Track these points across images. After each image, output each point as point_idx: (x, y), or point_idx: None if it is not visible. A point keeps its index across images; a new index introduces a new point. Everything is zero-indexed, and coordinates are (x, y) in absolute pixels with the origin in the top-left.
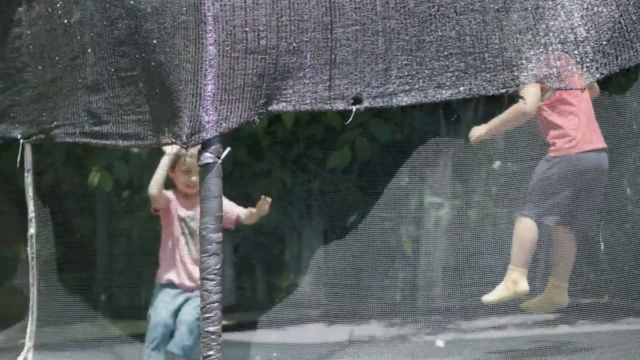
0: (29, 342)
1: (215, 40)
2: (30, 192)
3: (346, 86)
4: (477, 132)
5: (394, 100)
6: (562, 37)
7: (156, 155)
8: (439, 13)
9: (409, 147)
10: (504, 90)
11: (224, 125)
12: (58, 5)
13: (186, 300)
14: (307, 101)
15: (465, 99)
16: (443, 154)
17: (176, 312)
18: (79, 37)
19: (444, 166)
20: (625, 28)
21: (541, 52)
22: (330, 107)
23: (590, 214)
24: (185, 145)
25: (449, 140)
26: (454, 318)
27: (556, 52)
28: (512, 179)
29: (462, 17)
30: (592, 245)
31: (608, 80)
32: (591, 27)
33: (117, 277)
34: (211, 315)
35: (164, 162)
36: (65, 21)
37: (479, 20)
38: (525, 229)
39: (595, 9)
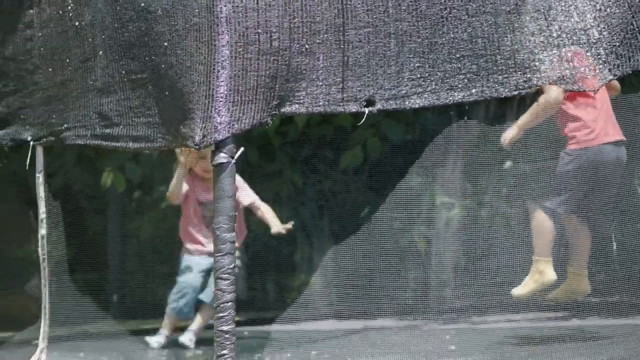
0: (42, 343)
1: (227, 42)
2: (41, 193)
3: (359, 88)
4: (509, 134)
5: (407, 103)
6: (574, 38)
7: (166, 156)
8: (451, 15)
9: (420, 147)
10: (516, 92)
11: (236, 126)
12: (69, 7)
13: (206, 273)
14: (320, 103)
15: (477, 101)
16: (454, 154)
17: (205, 275)
18: (90, 40)
19: (454, 166)
20: (638, 29)
21: (554, 54)
22: (342, 109)
23: (607, 207)
24: (197, 147)
25: (460, 138)
26: (467, 316)
27: (570, 49)
28: (525, 176)
29: (474, 19)
30: (606, 239)
31: (621, 81)
32: (604, 28)
33: (131, 277)
34: (225, 314)
35: (180, 173)
36: (77, 23)
37: (491, 22)
38: (544, 218)
39: (608, 10)
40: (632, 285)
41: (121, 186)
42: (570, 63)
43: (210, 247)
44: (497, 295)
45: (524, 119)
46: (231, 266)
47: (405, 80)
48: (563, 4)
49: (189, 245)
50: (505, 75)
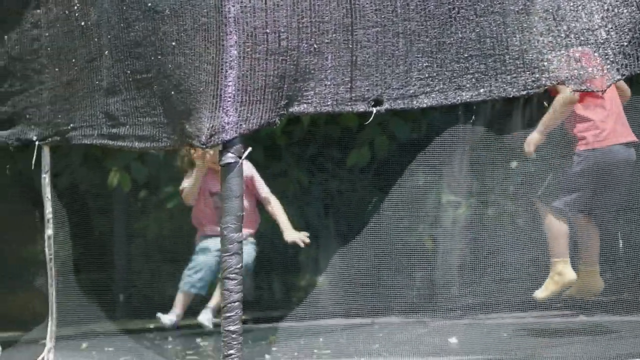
0: (49, 343)
1: (236, 42)
2: (47, 193)
3: (367, 88)
4: (533, 140)
5: (415, 102)
6: (582, 38)
7: (172, 156)
8: (459, 15)
9: (427, 146)
10: (524, 92)
11: (244, 126)
12: (75, 7)
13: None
14: (329, 103)
15: (485, 100)
16: (461, 152)
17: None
18: (95, 40)
19: (461, 164)
20: None
21: (562, 54)
22: (351, 109)
23: (616, 207)
24: (204, 146)
25: (467, 138)
26: (474, 313)
27: (578, 49)
28: (534, 176)
29: (482, 19)
30: (614, 238)
31: (629, 82)
32: (612, 28)
33: (137, 277)
34: (232, 314)
35: (197, 174)
36: (82, 23)
37: (499, 22)
38: (556, 220)
39: (616, 10)
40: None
41: (127, 186)
42: (579, 63)
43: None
44: (505, 293)
45: (544, 122)
46: (238, 266)
47: (414, 79)
48: (571, 4)
49: (205, 228)
50: (514, 75)
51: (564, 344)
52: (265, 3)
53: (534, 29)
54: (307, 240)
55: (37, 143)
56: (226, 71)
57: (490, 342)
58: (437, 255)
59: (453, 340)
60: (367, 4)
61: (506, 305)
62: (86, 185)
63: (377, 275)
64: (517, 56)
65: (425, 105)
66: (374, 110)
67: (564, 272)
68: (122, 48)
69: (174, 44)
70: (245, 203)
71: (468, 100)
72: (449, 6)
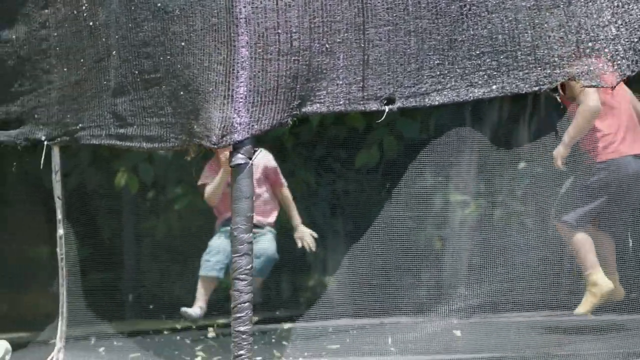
0: (59, 343)
1: (247, 42)
2: (58, 193)
3: (379, 86)
4: (560, 154)
5: (427, 100)
6: (592, 34)
7: (180, 157)
8: (470, 12)
9: (435, 146)
10: (536, 88)
11: (255, 127)
12: (83, 7)
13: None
14: (341, 102)
15: (498, 97)
16: (469, 152)
17: None
18: (104, 39)
19: (469, 164)
20: None
21: (573, 50)
22: (363, 108)
23: (627, 218)
24: (215, 146)
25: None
26: (481, 313)
27: (587, 50)
28: (544, 185)
29: (493, 15)
30: (625, 244)
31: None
32: (622, 24)
33: (145, 277)
34: (242, 315)
35: (224, 176)
36: (91, 23)
37: (510, 18)
38: (576, 232)
39: (626, 6)
40: None
41: (135, 187)
42: (589, 59)
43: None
44: (513, 293)
45: (570, 133)
46: (248, 267)
47: (425, 77)
48: (582, 0)
49: (225, 214)
50: (526, 71)
51: (573, 342)
52: (277, 3)
53: (545, 25)
54: (314, 246)
55: (45, 143)
56: (238, 72)
57: (500, 341)
58: (445, 255)
59: (457, 333)
60: (378, 2)
61: (515, 305)
62: (94, 185)
63: (386, 275)
64: (528, 52)
65: (437, 103)
66: (387, 108)
67: (599, 282)
68: (130, 48)
69: (183, 44)
70: (266, 194)
71: (480, 97)
72: (460, 3)
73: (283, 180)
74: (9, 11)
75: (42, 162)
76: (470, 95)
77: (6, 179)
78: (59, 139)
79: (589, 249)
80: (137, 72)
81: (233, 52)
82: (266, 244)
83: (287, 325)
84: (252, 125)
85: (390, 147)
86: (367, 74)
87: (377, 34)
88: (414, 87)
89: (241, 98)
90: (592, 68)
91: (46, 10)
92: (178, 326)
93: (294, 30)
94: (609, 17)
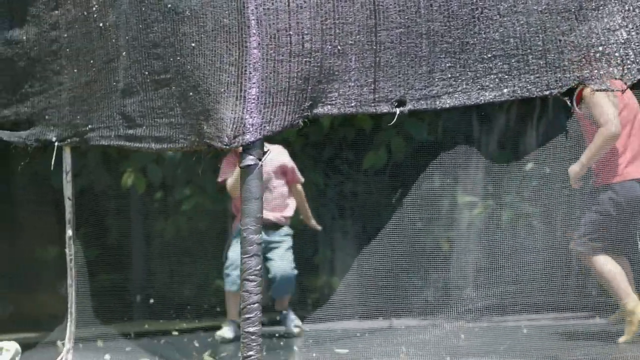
0: (68, 344)
1: (259, 44)
2: (68, 193)
3: (390, 89)
4: (575, 174)
5: (437, 103)
6: (603, 38)
7: (188, 158)
8: (482, 15)
9: (442, 148)
10: (547, 93)
11: (267, 128)
12: (94, 8)
13: (268, 244)
14: (352, 104)
15: (508, 101)
16: (477, 155)
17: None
18: (113, 40)
19: (477, 166)
20: None
21: (583, 54)
22: (374, 110)
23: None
24: (226, 146)
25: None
26: (486, 315)
27: (597, 54)
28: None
29: (505, 18)
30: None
31: None
32: (632, 28)
33: (154, 278)
34: (251, 315)
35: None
36: (101, 24)
37: (522, 22)
38: (603, 264)
39: (637, 10)
40: None
41: (142, 187)
42: (600, 63)
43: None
44: (519, 295)
45: (587, 154)
46: (258, 267)
47: (437, 80)
48: (593, 4)
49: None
50: (537, 75)
51: (581, 346)
52: (289, 5)
53: (557, 29)
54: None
55: (56, 144)
56: (250, 73)
57: (509, 344)
58: (453, 256)
59: (461, 336)
60: (390, 5)
61: (524, 307)
62: (103, 186)
63: (393, 276)
64: (539, 56)
65: (448, 106)
66: (397, 111)
67: (636, 309)
68: (140, 49)
69: (193, 45)
70: (284, 187)
71: (491, 100)
72: (473, 6)
73: (300, 177)
74: (20, 12)
75: (52, 163)
76: (481, 98)
77: (15, 180)
78: (69, 139)
79: (621, 277)
80: (147, 73)
81: (245, 53)
82: (285, 262)
83: (296, 330)
84: (264, 126)
85: (398, 148)
86: (379, 76)
87: (388, 36)
88: (425, 89)
89: (253, 99)
90: (602, 72)
91: (56, 12)
92: (186, 326)
93: (306, 32)
94: (619, 21)
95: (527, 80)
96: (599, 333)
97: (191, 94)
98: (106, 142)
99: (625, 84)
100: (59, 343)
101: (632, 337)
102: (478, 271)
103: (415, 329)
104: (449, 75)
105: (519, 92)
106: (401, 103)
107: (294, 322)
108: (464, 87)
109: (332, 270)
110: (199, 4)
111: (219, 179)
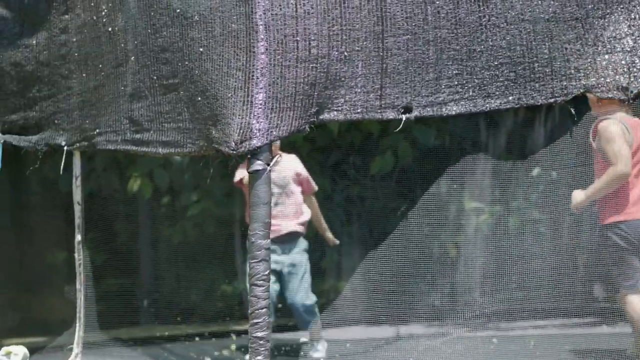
0: (76, 348)
1: (266, 49)
2: (77, 198)
3: (397, 95)
4: (579, 202)
5: (444, 110)
6: (609, 47)
7: (196, 163)
8: (489, 23)
9: (450, 153)
10: (552, 100)
11: (274, 133)
12: (103, 13)
13: (280, 273)
14: (359, 110)
15: (513, 108)
16: (484, 161)
17: (276, 275)
18: (122, 45)
19: (484, 172)
20: None
21: (589, 62)
22: (380, 116)
23: None
24: (234, 152)
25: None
26: (495, 321)
27: (604, 63)
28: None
29: (512, 26)
30: None
31: None
32: (638, 36)
33: (162, 282)
34: (259, 320)
35: None
36: (110, 29)
37: (529, 30)
38: (636, 304)
39: None
40: None
41: (148, 192)
42: (606, 71)
43: (277, 221)
44: (525, 301)
45: (594, 187)
46: (266, 272)
47: (443, 87)
48: (600, 13)
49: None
50: (542, 83)
51: (589, 355)
52: (296, 11)
53: (563, 37)
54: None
55: (65, 148)
56: (257, 78)
57: (516, 351)
58: (460, 262)
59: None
60: (397, 11)
61: (531, 314)
62: (111, 190)
63: (400, 281)
64: (545, 64)
65: (454, 113)
66: (404, 117)
67: None
68: (148, 53)
69: (201, 49)
70: (299, 195)
71: (497, 107)
72: (480, 14)
73: (314, 185)
74: (31, 16)
75: (62, 167)
76: (487, 105)
77: (24, 184)
78: (78, 144)
79: None
80: (155, 77)
81: (252, 58)
82: (303, 292)
83: (302, 339)
84: (271, 131)
85: (405, 153)
86: (385, 83)
87: (395, 43)
88: (431, 96)
89: (260, 104)
90: (608, 80)
91: (66, 16)
92: (192, 331)
93: (313, 38)
94: (625, 30)
95: (533, 87)
96: (606, 341)
97: (199, 98)
98: (113, 147)
99: (631, 92)
100: (67, 347)
101: None
102: (485, 277)
103: (422, 336)
104: (456, 83)
105: (524, 99)
106: (407, 110)
107: (320, 352)
108: (470, 94)
109: (338, 274)
110: (208, 9)
111: (235, 179)
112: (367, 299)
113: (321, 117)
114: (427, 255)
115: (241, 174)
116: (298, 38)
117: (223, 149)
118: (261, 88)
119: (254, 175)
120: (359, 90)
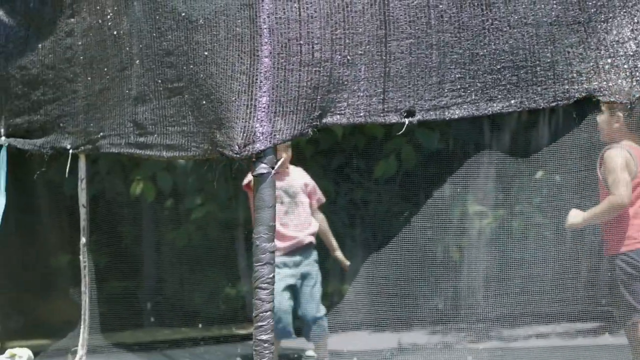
0: (81, 350)
1: (270, 53)
2: (83, 201)
3: (400, 99)
4: (575, 223)
5: (446, 113)
6: (611, 50)
7: (200, 167)
8: (492, 26)
9: (453, 156)
10: (554, 104)
11: (277, 136)
12: (108, 17)
13: (292, 287)
14: (361, 114)
15: (516, 111)
16: (488, 164)
17: (291, 288)
18: (127, 49)
19: (487, 175)
20: None
21: (592, 66)
22: (383, 120)
23: None
24: (237, 155)
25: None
26: (496, 326)
27: (606, 67)
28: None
29: (515, 30)
30: None
31: None
32: None
33: (165, 285)
34: (264, 323)
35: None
36: (115, 32)
37: (532, 33)
38: None
39: None
40: None
41: (151, 196)
42: (608, 75)
43: (289, 231)
44: (528, 306)
45: (592, 213)
46: (270, 276)
47: (446, 91)
48: (602, 17)
49: (280, 242)
50: (544, 87)
51: None
52: (300, 14)
53: (565, 41)
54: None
55: (70, 151)
56: (261, 81)
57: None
58: (463, 266)
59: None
60: (401, 15)
61: (533, 319)
62: (114, 193)
63: (403, 285)
64: (548, 67)
65: (456, 117)
66: (407, 121)
67: None
68: (153, 57)
69: (206, 53)
70: (307, 207)
71: (499, 111)
72: (483, 18)
73: (322, 197)
74: (36, 20)
75: (67, 170)
76: (490, 109)
77: (29, 187)
78: (83, 147)
79: None
80: (159, 81)
81: (256, 61)
82: (314, 304)
83: (308, 353)
84: (274, 135)
85: (409, 156)
86: (388, 86)
87: (398, 47)
88: (434, 100)
89: (264, 107)
90: (610, 84)
91: (72, 20)
92: (197, 335)
93: (316, 42)
94: (628, 34)
95: (535, 91)
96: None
97: (204, 102)
98: (117, 150)
99: (634, 95)
100: (72, 350)
101: None
102: (488, 281)
103: (423, 339)
104: (459, 86)
105: (526, 103)
106: (410, 113)
107: None
108: (473, 97)
109: (341, 279)
110: (212, 13)
111: (244, 182)
112: (370, 302)
113: (324, 120)
114: (431, 259)
115: (250, 177)
116: (301, 42)
117: (227, 153)
118: (265, 92)
119: (259, 178)
120: (361, 94)
